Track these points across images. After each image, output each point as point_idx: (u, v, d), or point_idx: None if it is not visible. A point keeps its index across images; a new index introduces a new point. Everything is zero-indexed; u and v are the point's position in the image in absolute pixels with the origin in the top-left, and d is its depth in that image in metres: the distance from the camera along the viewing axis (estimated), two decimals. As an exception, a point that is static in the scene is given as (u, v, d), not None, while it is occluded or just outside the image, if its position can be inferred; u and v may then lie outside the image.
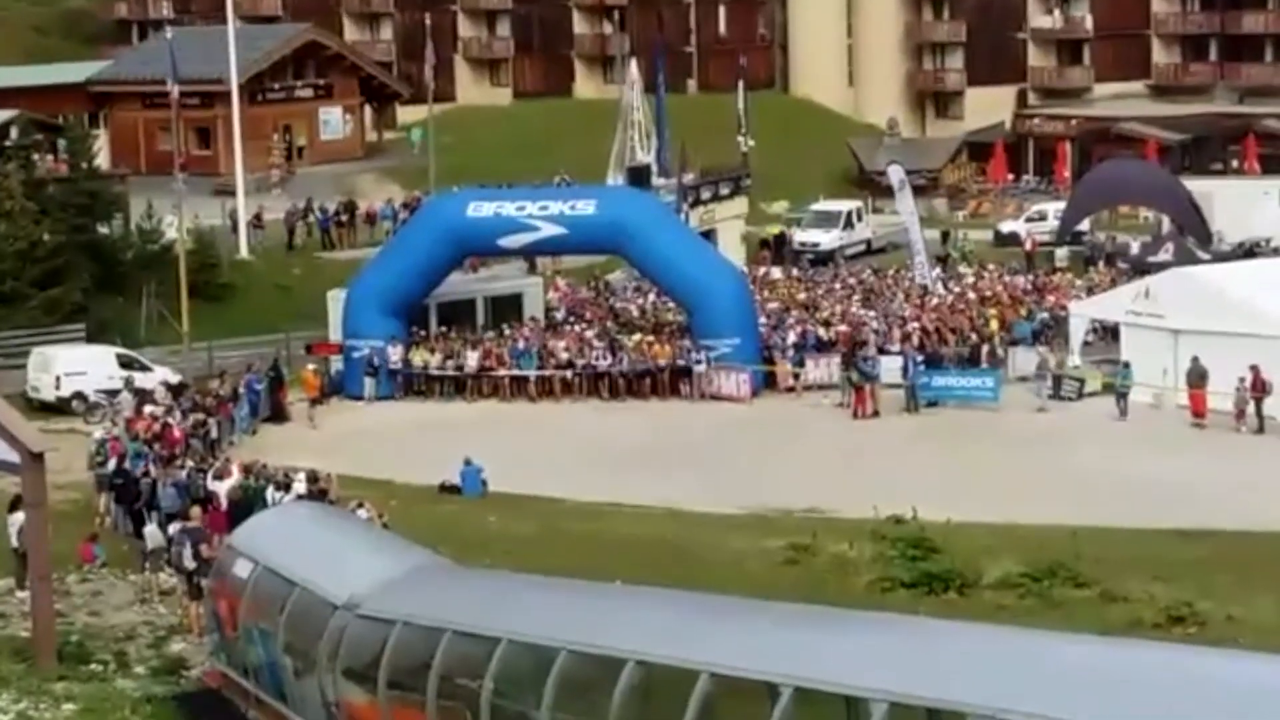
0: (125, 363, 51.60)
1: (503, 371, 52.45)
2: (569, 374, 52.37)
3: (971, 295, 59.21)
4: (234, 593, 26.37)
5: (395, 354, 52.53)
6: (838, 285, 62.68)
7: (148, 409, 44.80)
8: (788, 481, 42.68)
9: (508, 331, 54.27)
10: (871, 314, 56.37)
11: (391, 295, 53.03)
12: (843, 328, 54.55)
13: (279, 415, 50.23)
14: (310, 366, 52.49)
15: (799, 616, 20.31)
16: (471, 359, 52.71)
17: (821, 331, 54.41)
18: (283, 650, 24.99)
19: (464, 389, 52.55)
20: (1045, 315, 56.23)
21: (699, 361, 51.65)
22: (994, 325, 54.86)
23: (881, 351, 51.50)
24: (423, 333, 53.78)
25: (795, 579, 33.02)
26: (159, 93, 67.96)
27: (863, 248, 74.62)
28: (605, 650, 19.85)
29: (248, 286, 64.36)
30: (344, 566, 24.57)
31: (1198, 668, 16.48)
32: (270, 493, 35.45)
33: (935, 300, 58.57)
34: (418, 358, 52.89)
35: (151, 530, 34.25)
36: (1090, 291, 58.92)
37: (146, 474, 37.82)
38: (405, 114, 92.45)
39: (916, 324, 54.21)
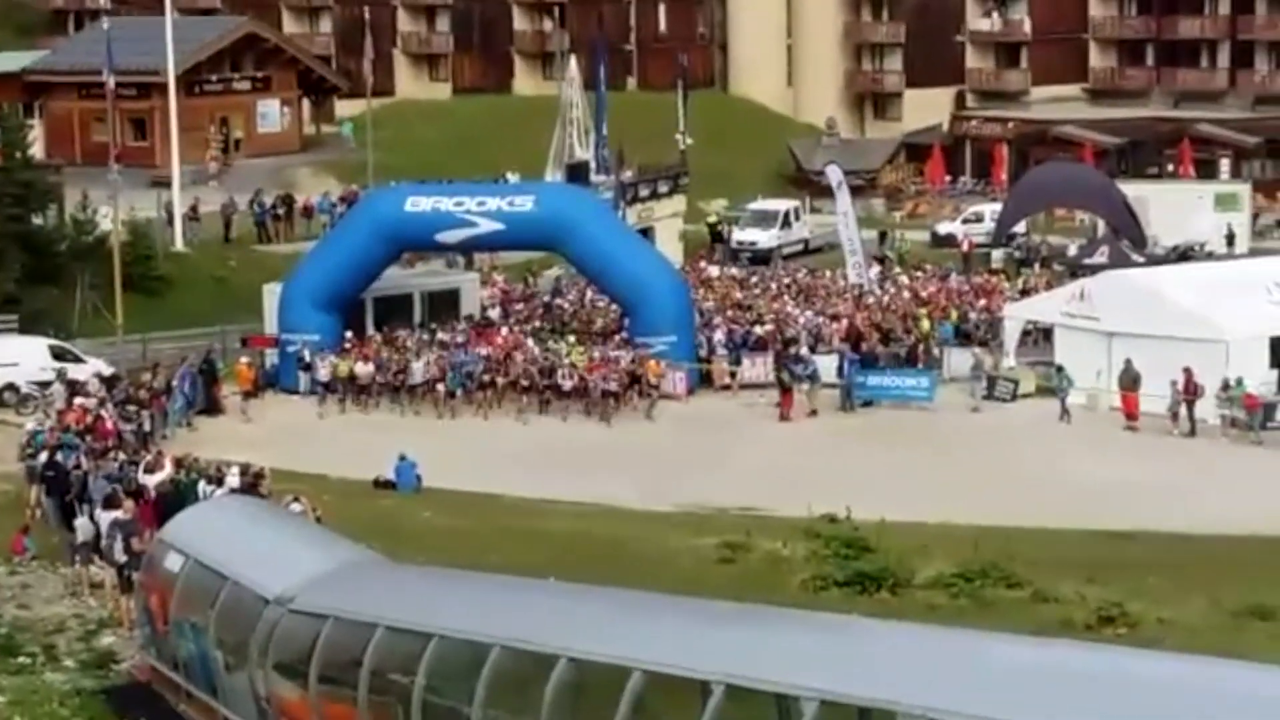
0: (58, 354, 51.22)
1: (442, 389, 50.49)
2: (516, 391, 50.50)
3: (905, 295, 59.41)
4: (165, 586, 26.22)
5: (324, 368, 51.10)
6: (773, 284, 62.76)
7: (78, 400, 44.52)
8: (723, 480, 42.74)
9: (445, 337, 53.17)
10: (801, 313, 56.40)
11: (328, 289, 52.84)
12: (769, 326, 54.67)
13: (213, 408, 50.00)
14: (244, 359, 52.27)
15: (731, 614, 20.31)
16: (417, 370, 50.84)
17: (756, 329, 54.44)
18: (214, 644, 24.87)
19: (403, 395, 50.80)
20: (975, 317, 56.43)
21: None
22: (925, 325, 55.05)
23: (813, 351, 51.62)
24: (351, 342, 52.34)
25: (729, 577, 33.04)
26: (95, 83, 67.41)
27: (800, 247, 74.79)
28: (537, 647, 19.82)
29: (183, 279, 64.01)
30: (276, 561, 24.48)
31: (1127, 668, 16.55)
32: (202, 486, 35.25)
33: (870, 300, 58.72)
34: (344, 369, 50.93)
35: (82, 523, 34.01)
36: (1024, 293, 59.19)
37: (78, 466, 37.53)
38: (344, 108, 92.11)
39: (842, 323, 54.31)
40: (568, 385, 50.09)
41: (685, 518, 39.48)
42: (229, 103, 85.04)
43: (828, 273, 64.93)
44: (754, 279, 64.22)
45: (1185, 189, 76.59)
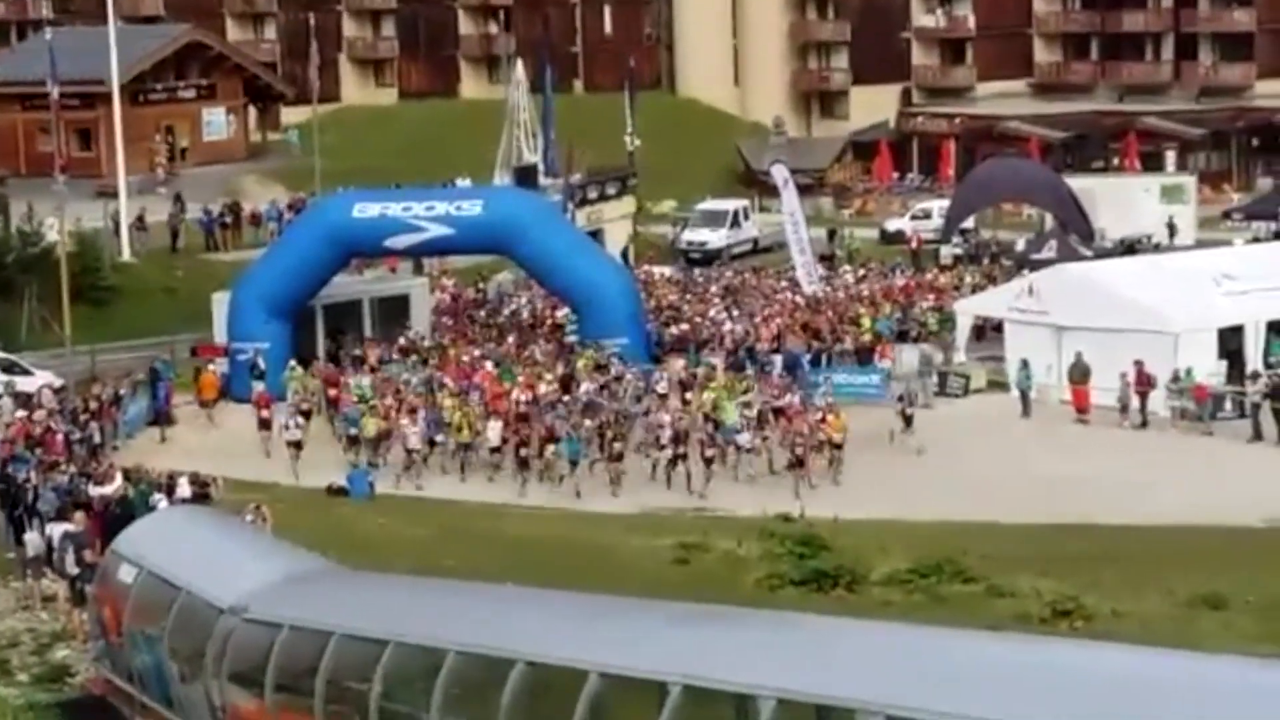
0: (6, 367, 50.95)
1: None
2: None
3: (841, 295, 59.53)
4: (118, 598, 26.07)
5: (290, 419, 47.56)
6: (713, 287, 62.83)
7: (20, 414, 44.29)
8: (678, 480, 42.69)
9: (402, 373, 49.97)
10: (729, 315, 56.49)
11: (277, 297, 52.62)
12: (685, 326, 54.72)
13: (165, 419, 49.76)
14: (211, 367, 51.98)
15: (688, 615, 20.30)
16: (493, 433, 44.50)
17: (671, 329, 54.73)
18: (168, 655, 24.74)
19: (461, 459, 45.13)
20: (918, 312, 56.59)
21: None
22: (866, 323, 55.16)
23: (750, 352, 51.82)
24: (296, 368, 50.71)
25: (685, 577, 33.06)
26: (38, 94, 67.08)
27: (750, 246, 74.88)
28: (494, 651, 19.78)
29: (131, 289, 63.68)
30: (230, 570, 24.35)
31: (1083, 661, 16.58)
32: (154, 497, 35.09)
33: (812, 299, 58.91)
34: (371, 427, 45.60)
35: (32, 537, 33.81)
36: (959, 289, 59.33)
37: (28, 479, 37.31)
38: (290, 115, 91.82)
39: (771, 326, 54.47)
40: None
41: (641, 519, 39.49)
42: (174, 111, 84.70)
43: (761, 271, 64.93)
44: (695, 279, 64.34)
45: (1131, 182, 76.85)
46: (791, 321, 55.30)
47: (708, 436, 43.11)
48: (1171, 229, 70.70)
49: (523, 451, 43.48)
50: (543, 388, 47.17)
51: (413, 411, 45.64)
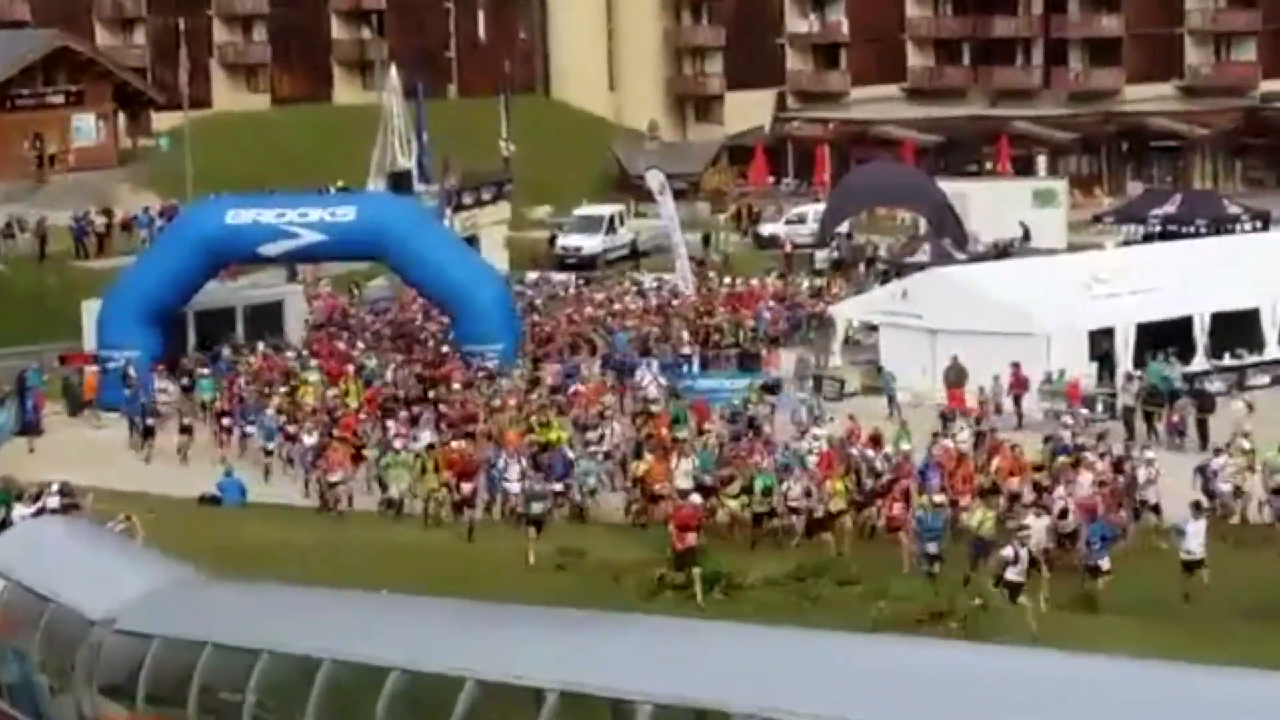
0: None
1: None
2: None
3: (690, 300, 59.68)
4: (-15, 611, 25.69)
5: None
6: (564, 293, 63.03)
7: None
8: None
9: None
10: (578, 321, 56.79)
11: (148, 305, 52.07)
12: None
13: (33, 429, 49.09)
14: (90, 370, 51.32)
15: (565, 621, 20.23)
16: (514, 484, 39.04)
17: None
18: (38, 669, 24.46)
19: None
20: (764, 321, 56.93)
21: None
22: (724, 329, 55.49)
23: (605, 359, 52.03)
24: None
25: (565, 584, 32.92)
26: (-97, 100, 66.21)
27: (626, 252, 74.89)
28: (369, 660, 19.62)
29: (-2, 297, 62.96)
30: (99, 582, 24.08)
31: (959, 662, 16.66)
32: (20, 508, 34.60)
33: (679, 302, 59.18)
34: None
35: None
36: (816, 294, 59.70)
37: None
38: (161, 120, 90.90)
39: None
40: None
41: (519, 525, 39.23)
42: (42, 118, 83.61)
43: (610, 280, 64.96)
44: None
45: (1003, 186, 77.48)
46: (638, 322, 55.54)
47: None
48: (1026, 233, 71.15)
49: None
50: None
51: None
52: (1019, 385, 47.11)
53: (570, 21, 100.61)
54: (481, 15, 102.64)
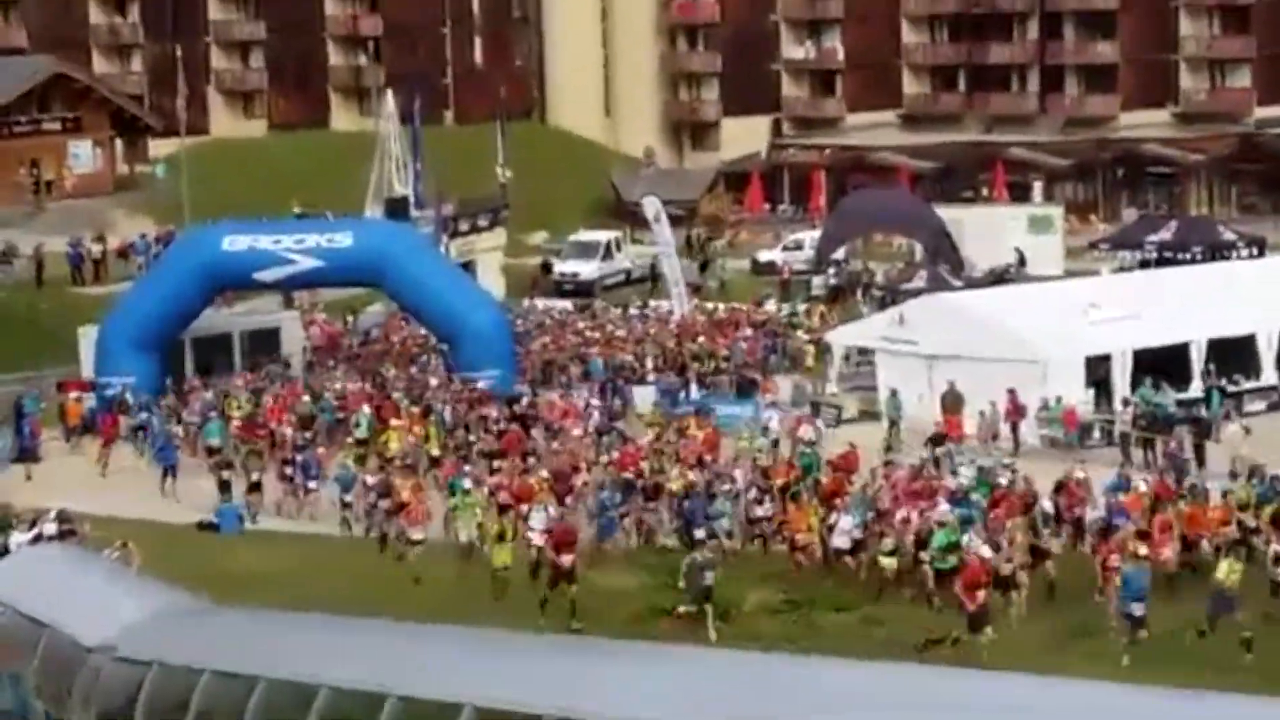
0: None
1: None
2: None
3: (671, 326, 59.63)
4: (-18, 638, 25.66)
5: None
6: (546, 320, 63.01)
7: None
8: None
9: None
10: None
11: (145, 331, 52.13)
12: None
13: (30, 456, 49.02)
14: (74, 395, 51.29)
15: (561, 648, 20.24)
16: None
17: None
18: (34, 696, 24.41)
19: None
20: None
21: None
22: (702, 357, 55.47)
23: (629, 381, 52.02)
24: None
25: (562, 611, 32.86)
26: (-100, 127, 66.33)
27: (622, 278, 74.96)
28: (367, 686, 19.62)
29: (-5, 323, 62.94)
30: (97, 609, 24.06)
31: (955, 689, 16.67)
32: (17, 535, 34.59)
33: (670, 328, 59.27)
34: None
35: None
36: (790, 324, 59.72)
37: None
38: (158, 147, 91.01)
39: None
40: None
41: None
42: (39, 144, 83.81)
43: (617, 309, 64.97)
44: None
45: (999, 212, 77.61)
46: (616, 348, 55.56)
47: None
48: (1021, 259, 71.27)
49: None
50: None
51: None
52: (1016, 412, 47.13)
53: (566, 48, 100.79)
54: (478, 41, 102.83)
